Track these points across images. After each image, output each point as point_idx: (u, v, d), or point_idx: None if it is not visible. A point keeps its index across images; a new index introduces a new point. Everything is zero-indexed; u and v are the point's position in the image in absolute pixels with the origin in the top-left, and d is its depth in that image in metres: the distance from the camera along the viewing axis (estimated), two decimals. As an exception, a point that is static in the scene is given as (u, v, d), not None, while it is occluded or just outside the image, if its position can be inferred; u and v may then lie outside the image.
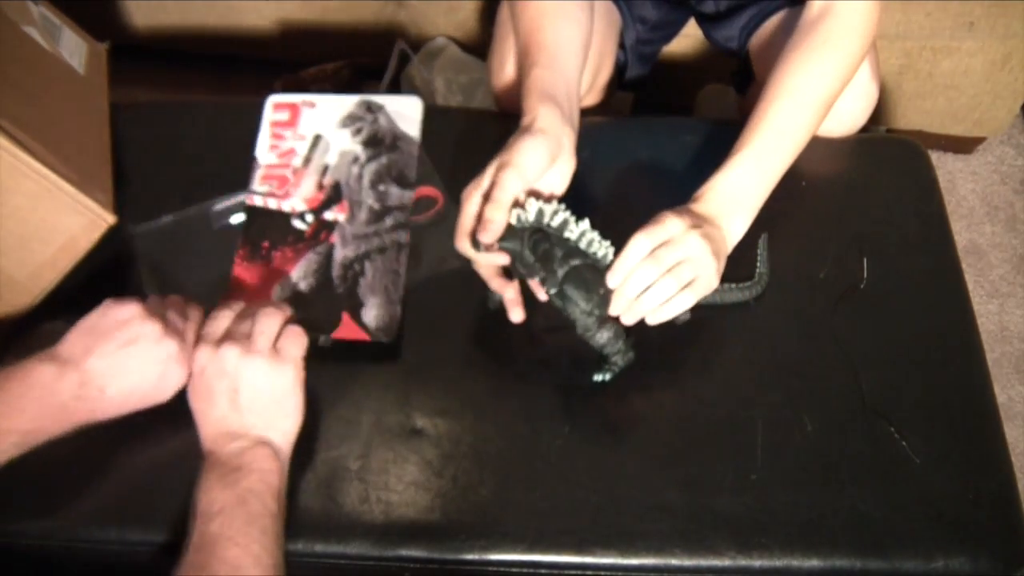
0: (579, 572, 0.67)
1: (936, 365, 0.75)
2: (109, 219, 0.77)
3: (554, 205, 0.71)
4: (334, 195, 0.84)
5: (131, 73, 1.08)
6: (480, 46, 1.40)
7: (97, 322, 0.67)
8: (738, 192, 0.74)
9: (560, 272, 0.70)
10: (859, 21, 0.77)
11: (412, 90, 1.40)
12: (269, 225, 0.83)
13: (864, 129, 0.92)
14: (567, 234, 0.71)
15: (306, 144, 0.87)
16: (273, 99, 0.91)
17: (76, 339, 0.66)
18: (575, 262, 0.70)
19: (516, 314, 0.75)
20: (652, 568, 0.66)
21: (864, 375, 0.73)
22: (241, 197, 0.84)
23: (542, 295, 0.74)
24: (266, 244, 0.82)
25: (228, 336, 0.67)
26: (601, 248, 0.71)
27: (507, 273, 0.75)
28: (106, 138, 0.87)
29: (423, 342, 0.77)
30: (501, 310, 0.76)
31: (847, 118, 0.89)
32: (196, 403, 0.67)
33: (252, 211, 0.84)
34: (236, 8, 1.41)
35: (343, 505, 0.68)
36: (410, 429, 0.72)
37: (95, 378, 0.64)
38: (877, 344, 0.75)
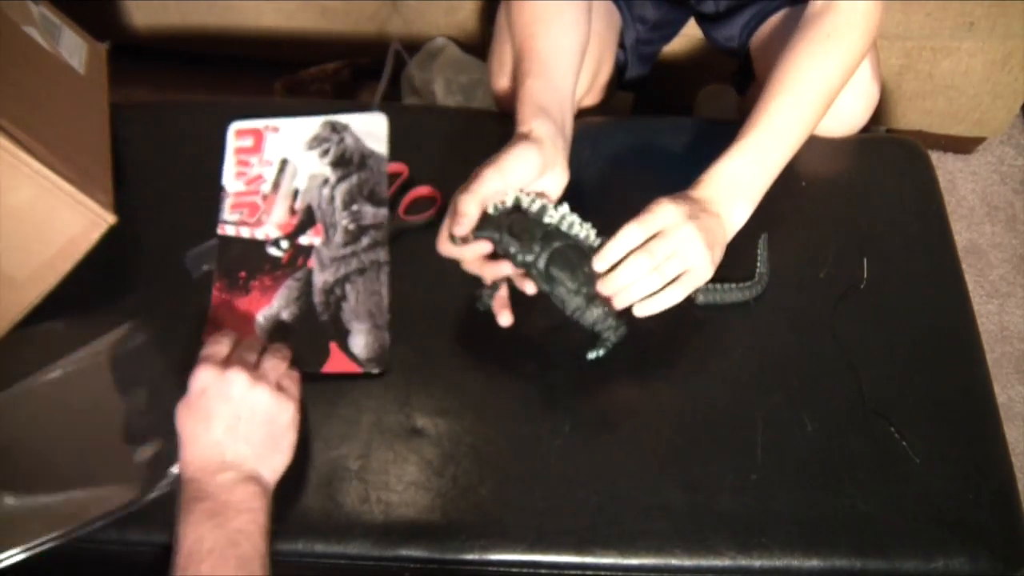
0: (579, 572, 0.67)
1: (936, 365, 0.75)
2: (109, 219, 0.77)
3: (534, 195, 0.71)
4: (307, 219, 0.83)
5: (131, 73, 1.08)
6: (480, 46, 1.40)
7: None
8: (739, 180, 0.74)
9: (544, 254, 0.69)
10: (861, 18, 0.77)
11: (411, 91, 1.40)
12: (244, 255, 0.81)
13: (864, 129, 0.92)
14: (547, 219, 0.70)
15: (273, 169, 0.86)
16: (235, 126, 0.90)
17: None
18: (557, 244, 0.70)
19: (504, 318, 0.74)
20: (652, 568, 0.66)
21: (864, 375, 0.73)
22: (213, 243, 0.82)
23: (530, 288, 0.73)
24: (243, 274, 0.80)
25: (235, 361, 0.65)
26: (583, 229, 0.71)
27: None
28: (106, 138, 0.87)
29: (423, 342, 0.77)
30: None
31: (848, 118, 0.89)
32: (189, 424, 0.64)
33: (225, 241, 0.82)
34: (236, 8, 1.41)
35: (343, 505, 0.68)
36: (410, 429, 0.72)
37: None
38: (877, 344, 0.75)
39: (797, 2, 0.87)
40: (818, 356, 0.75)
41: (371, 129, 0.89)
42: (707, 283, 0.75)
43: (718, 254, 0.72)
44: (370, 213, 0.83)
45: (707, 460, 0.70)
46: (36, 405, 0.73)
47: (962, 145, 1.45)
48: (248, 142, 0.89)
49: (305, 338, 0.76)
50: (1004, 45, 1.23)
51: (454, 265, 0.77)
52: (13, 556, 0.64)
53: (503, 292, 0.75)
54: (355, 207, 0.83)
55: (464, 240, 0.69)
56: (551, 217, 0.71)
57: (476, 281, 0.75)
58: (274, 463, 0.65)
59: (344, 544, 0.67)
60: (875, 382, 0.73)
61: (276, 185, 0.85)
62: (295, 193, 0.85)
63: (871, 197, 0.86)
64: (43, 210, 0.74)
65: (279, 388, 0.66)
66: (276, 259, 0.81)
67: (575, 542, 0.67)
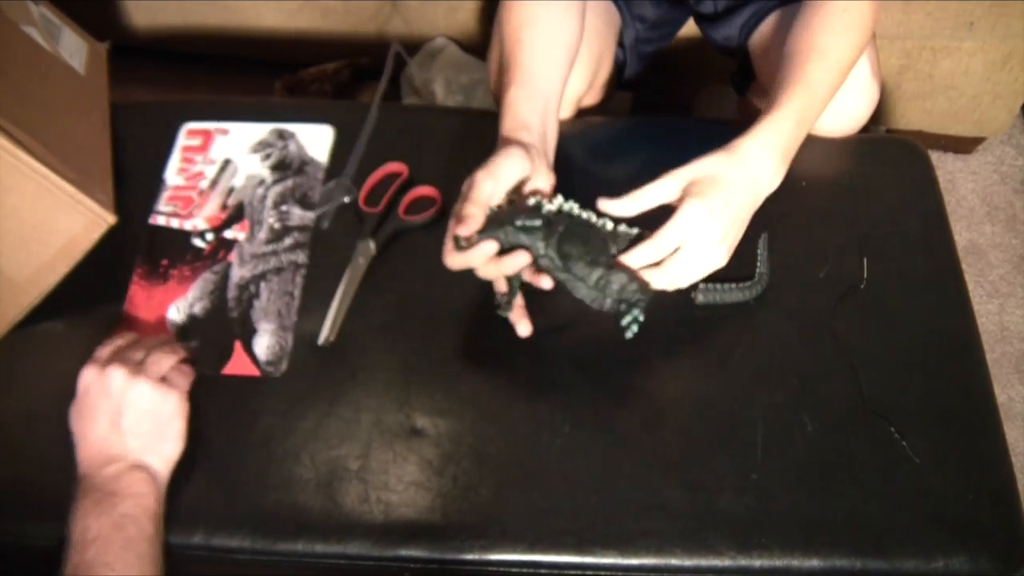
0: (579, 572, 0.67)
1: (936, 365, 0.75)
2: (109, 219, 0.77)
3: (527, 194, 0.72)
4: (236, 215, 0.85)
5: (131, 73, 1.08)
6: (480, 46, 1.40)
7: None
8: (779, 146, 0.74)
9: (553, 237, 0.69)
10: None
11: (411, 91, 1.40)
12: (168, 243, 0.84)
13: (864, 129, 0.92)
14: (546, 209, 0.70)
15: (215, 168, 0.89)
16: (188, 126, 0.93)
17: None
18: (562, 227, 0.70)
19: (523, 328, 0.74)
20: (652, 568, 0.66)
21: (864, 375, 0.73)
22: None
23: (546, 282, 0.71)
24: (165, 262, 0.82)
25: (116, 359, 0.67)
26: (584, 213, 0.71)
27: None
28: (106, 138, 0.87)
29: (423, 342, 0.77)
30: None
31: (848, 117, 0.89)
32: (77, 424, 0.67)
33: (153, 230, 0.85)
34: (236, 8, 1.41)
35: (343, 505, 0.68)
36: (410, 429, 0.72)
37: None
38: (877, 344, 0.75)
39: (794, 0, 0.87)
40: (818, 356, 0.75)
41: (316, 139, 0.91)
42: (707, 283, 0.75)
43: (734, 241, 0.72)
44: (297, 215, 0.85)
45: (707, 460, 0.70)
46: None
47: (962, 145, 1.45)
48: (197, 141, 0.91)
49: (212, 334, 0.78)
50: (1004, 45, 1.23)
51: (454, 267, 0.77)
52: None
53: (519, 301, 0.74)
54: (284, 207, 0.85)
55: (469, 241, 0.69)
56: (550, 205, 0.70)
57: (482, 286, 0.75)
58: (165, 451, 0.67)
59: (344, 544, 0.67)
60: (875, 382, 0.73)
61: (214, 183, 0.88)
62: (230, 191, 0.87)
63: (871, 197, 0.86)
64: (43, 210, 0.74)
65: (162, 380, 0.68)
66: (199, 250, 0.83)
67: (575, 542, 0.67)
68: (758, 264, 0.78)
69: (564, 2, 0.83)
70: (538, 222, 0.69)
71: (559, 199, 0.71)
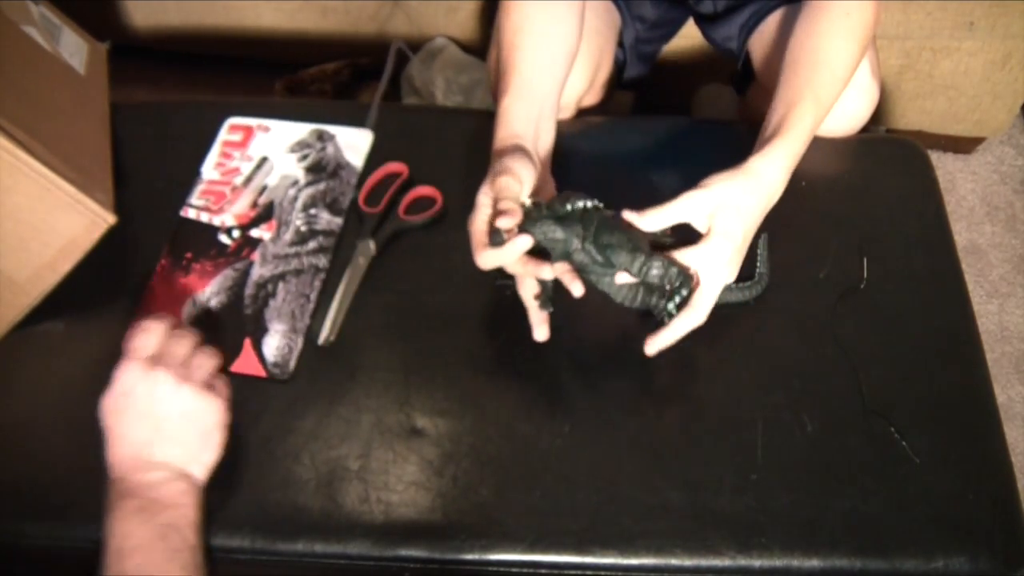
0: (579, 572, 0.67)
1: (936, 365, 0.75)
2: (109, 219, 0.77)
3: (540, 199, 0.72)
4: (265, 214, 0.85)
5: (131, 73, 1.08)
6: (480, 46, 1.40)
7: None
8: (790, 161, 0.75)
9: (589, 232, 0.69)
10: None
11: (412, 91, 1.40)
12: (196, 237, 0.84)
13: (864, 129, 0.92)
14: (570, 207, 0.70)
15: (251, 165, 0.89)
16: (231, 121, 0.93)
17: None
18: (595, 221, 0.70)
19: (542, 332, 0.74)
20: (652, 568, 0.66)
21: (864, 375, 0.73)
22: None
23: (577, 289, 0.72)
24: (189, 255, 0.83)
25: (162, 359, 0.65)
26: (606, 210, 0.71)
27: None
28: (106, 138, 0.87)
29: (423, 342, 0.77)
30: (504, 310, 0.76)
31: (849, 117, 0.89)
32: (114, 421, 0.64)
33: (183, 222, 0.85)
34: (236, 8, 1.41)
35: (343, 505, 0.68)
36: (410, 429, 0.72)
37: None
38: (877, 344, 0.75)
39: (793, 0, 0.87)
40: (818, 356, 0.75)
41: (355, 143, 0.91)
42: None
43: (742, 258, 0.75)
44: (325, 220, 0.85)
45: (707, 460, 0.70)
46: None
47: (962, 145, 1.45)
48: (238, 136, 0.91)
49: (224, 329, 0.78)
50: (1004, 45, 1.23)
51: (453, 265, 0.78)
52: None
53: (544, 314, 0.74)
54: (313, 211, 0.85)
55: (509, 234, 0.68)
56: (580, 203, 0.70)
57: (482, 286, 0.75)
58: (204, 460, 0.66)
59: (344, 544, 0.67)
60: (875, 382, 0.73)
61: (248, 180, 0.88)
62: (263, 189, 0.87)
63: (871, 197, 0.86)
64: (43, 210, 0.74)
65: (207, 387, 0.66)
66: (224, 246, 0.84)
67: (575, 542, 0.67)
68: (758, 264, 0.78)
69: (562, 2, 0.82)
70: (574, 216, 0.69)
71: (586, 198, 0.71)
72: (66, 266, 0.78)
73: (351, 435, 0.72)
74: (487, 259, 0.69)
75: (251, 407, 0.73)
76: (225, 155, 0.90)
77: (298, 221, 0.85)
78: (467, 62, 1.37)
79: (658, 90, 1.29)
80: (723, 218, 0.71)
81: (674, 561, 0.66)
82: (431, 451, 0.71)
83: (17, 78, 0.78)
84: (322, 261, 0.82)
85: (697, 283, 0.72)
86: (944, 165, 1.44)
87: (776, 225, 0.79)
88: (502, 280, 0.76)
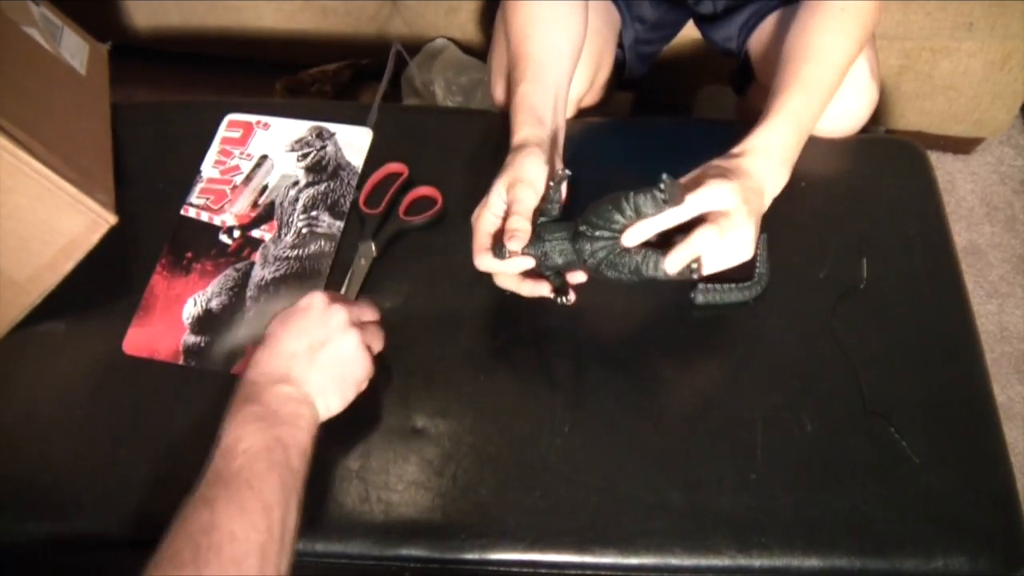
0: (579, 572, 0.67)
1: (936, 365, 0.75)
2: (110, 219, 0.77)
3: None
4: (266, 214, 0.85)
5: (132, 73, 1.08)
6: (480, 47, 1.40)
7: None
8: (781, 147, 0.76)
9: (587, 244, 0.70)
10: None
11: (412, 91, 1.40)
12: (196, 237, 0.84)
13: (864, 129, 0.92)
14: (576, 229, 0.71)
15: (251, 163, 0.89)
16: (230, 117, 0.93)
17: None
18: (585, 228, 0.70)
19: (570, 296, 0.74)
20: (652, 568, 0.66)
21: (864, 375, 0.73)
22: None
23: (579, 275, 0.74)
24: (189, 255, 0.83)
25: (344, 303, 0.68)
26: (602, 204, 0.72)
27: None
28: (107, 138, 0.87)
29: (423, 342, 0.77)
30: (504, 310, 0.76)
31: (848, 117, 0.89)
32: (278, 328, 0.66)
33: (183, 221, 0.85)
34: (236, 9, 1.41)
35: (343, 505, 0.69)
36: (410, 429, 0.72)
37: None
38: (877, 344, 0.75)
39: (792, 0, 0.88)
40: (818, 356, 0.75)
41: (355, 141, 0.90)
42: (707, 283, 0.75)
43: (757, 228, 0.73)
44: (326, 222, 0.85)
45: (707, 460, 0.70)
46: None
47: (961, 145, 1.45)
48: (237, 133, 0.91)
49: (226, 331, 0.78)
50: (1004, 45, 1.23)
51: (454, 265, 0.78)
52: None
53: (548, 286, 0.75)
54: (314, 213, 0.85)
55: (513, 254, 0.70)
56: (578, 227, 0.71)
57: (482, 286, 0.75)
58: (331, 402, 0.66)
59: (344, 543, 0.67)
60: (875, 382, 0.73)
61: (249, 178, 0.88)
62: (264, 189, 0.87)
63: (871, 197, 0.86)
64: (44, 210, 0.74)
65: (367, 348, 0.68)
66: (225, 246, 0.84)
67: (575, 542, 0.67)
68: (758, 264, 0.78)
69: (567, 1, 0.83)
70: (568, 239, 0.71)
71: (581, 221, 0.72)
72: (66, 266, 0.78)
73: (351, 435, 0.72)
74: (485, 264, 0.72)
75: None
76: (225, 152, 0.90)
77: (299, 223, 0.85)
78: (467, 63, 1.37)
79: (658, 90, 1.29)
80: (714, 184, 0.71)
81: (674, 561, 0.66)
82: (431, 451, 0.71)
83: (18, 78, 0.78)
84: (324, 265, 0.82)
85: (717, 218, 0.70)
86: (943, 165, 1.44)
87: (776, 225, 0.79)
88: None
